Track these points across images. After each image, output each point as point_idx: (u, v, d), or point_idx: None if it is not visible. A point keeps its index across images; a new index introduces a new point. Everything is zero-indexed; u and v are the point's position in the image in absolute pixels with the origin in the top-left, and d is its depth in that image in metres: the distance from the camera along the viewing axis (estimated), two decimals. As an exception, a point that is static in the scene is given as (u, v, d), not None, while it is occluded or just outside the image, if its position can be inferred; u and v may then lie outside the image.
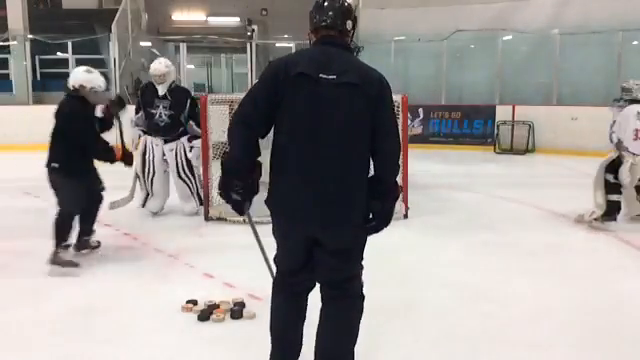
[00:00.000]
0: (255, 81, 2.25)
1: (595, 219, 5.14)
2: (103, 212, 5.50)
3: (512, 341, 2.91)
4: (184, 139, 5.40)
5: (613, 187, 5.12)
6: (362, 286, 2.35)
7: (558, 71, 11.41)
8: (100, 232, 4.96)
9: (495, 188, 7.01)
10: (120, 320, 3.13)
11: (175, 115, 5.30)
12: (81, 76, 4.05)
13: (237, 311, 3.15)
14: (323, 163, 2.09)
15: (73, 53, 11.99)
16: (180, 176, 5.42)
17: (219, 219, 5.30)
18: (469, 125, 11.84)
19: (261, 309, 3.23)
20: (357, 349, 2.56)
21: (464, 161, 10.00)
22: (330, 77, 2.07)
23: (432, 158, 9.93)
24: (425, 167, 8.36)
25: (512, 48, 12.13)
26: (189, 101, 5.38)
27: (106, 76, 12.22)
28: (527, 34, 11.84)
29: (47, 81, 12.55)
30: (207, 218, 5.31)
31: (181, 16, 18.09)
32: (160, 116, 5.29)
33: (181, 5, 18.06)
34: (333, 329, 2.27)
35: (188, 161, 5.40)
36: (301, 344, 2.35)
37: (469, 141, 11.74)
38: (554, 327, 3.08)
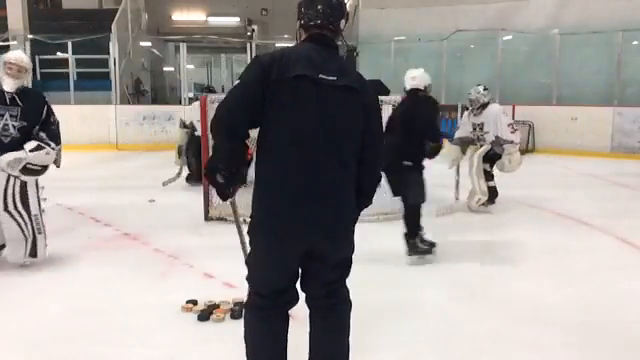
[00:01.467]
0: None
1: (482, 204, 5.79)
2: (104, 213, 5.52)
3: (512, 341, 2.90)
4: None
5: (489, 175, 5.88)
6: (348, 291, 2.24)
7: (558, 71, 11.42)
8: (100, 232, 4.99)
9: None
10: (120, 320, 3.12)
11: (28, 128, 3.80)
12: (427, 76, 4.73)
13: (237, 311, 3.15)
14: (323, 168, 1.97)
15: (73, 53, 12.00)
16: (7, 209, 3.80)
17: (219, 219, 5.30)
18: (469, 125, 11.84)
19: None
20: (357, 349, 2.56)
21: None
22: (330, 78, 1.96)
23: (432, 158, 9.91)
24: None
25: (512, 48, 12.14)
26: (46, 109, 3.92)
27: (106, 76, 12.27)
28: (527, 34, 11.85)
29: (47, 81, 12.54)
30: (207, 218, 5.31)
31: (181, 16, 18.10)
32: (5, 129, 3.73)
33: (181, 5, 18.06)
34: (331, 337, 2.22)
35: (23, 191, 3.83)
36: None
37: (469, 141, 11.74)
38: (554, 327, 3.07)
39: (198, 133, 6.20)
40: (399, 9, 12.92)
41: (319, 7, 2.03)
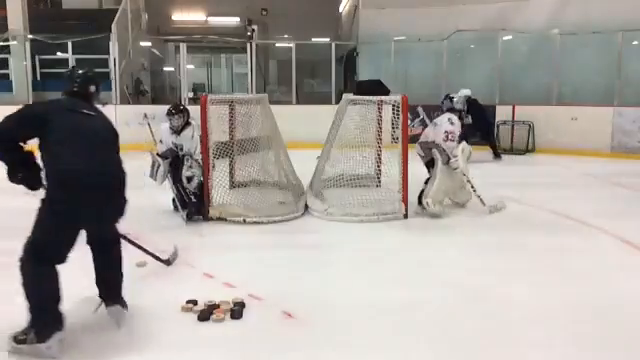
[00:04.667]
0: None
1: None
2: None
3: (512, 341, 2.91)
4: None
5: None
6: (117, 232, 3.17)
7: (558, 71, 11.41)
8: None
9: (495, 188, 7.01)
10: (120, 320, 3.13)
11: None
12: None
13: (237, 311, 3.15)
14: (95, 167, 2.83)
15: (73, 53, 11.98)
16: None
17: (219, 219, 5.30)
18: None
19: (261, 309, 3.23)
20: (358, 349, 2.56)
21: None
22: (91, 113, 3.00)
23: (432, 158, 9.90)
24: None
25: (512, 48, 12.13)
26: None
27: (106, 76, 12.25)
28: (527, 34, 11.84)
29: (47, 81, 12.53)
30: (207, 218, 5.31)
31: (181, 16, 18.09)
32: None
33: (181, 5, 18.06)
34: (109, 270, 3.12)
35: None
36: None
37: (469, 141, 11.71)
38: (554, 327, 3.08)
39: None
40: (399, 9, 12.90)
41: (75, 79, 3.10)
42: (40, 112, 2.94)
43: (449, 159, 5.57)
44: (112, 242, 3.15)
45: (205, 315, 3.11)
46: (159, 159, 5.42)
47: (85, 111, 2.98)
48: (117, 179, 2.98)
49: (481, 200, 5.71)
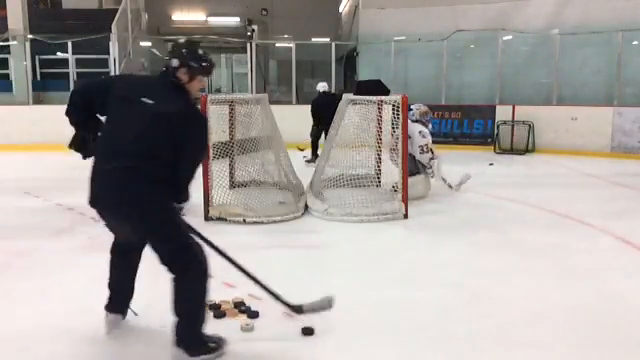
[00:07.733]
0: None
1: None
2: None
3: (512, 341, 2.91)
4: None
5: None
6: (188, 262, 2.59)
7: (558, 71, 11.42)
8: (100, 232, 4.97)
9: (495, 188, 7.01)
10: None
11: None
12: None
13: (253, 312, 3.18)
14: (114, 162, 2.51)
15: (73, 53, 11.98)
16: None
17: (219, 219, 5.30)
18: (469, 125, 11.85)
19: (261, 309, 3.23)
20: (358, 349, 2.55)
21: (464, 161, 10.00)
22: (149, 102, 2.57)
23: (432, 158, 9.91)
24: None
25: (512, 48, 12.14)
26: None
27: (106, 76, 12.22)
28: (527, 34, 11.85)
29: (47, 81, 12.55)
30: (207, 218, 5.31)
31: (181, 16, 18.13)
32: None
33: (181, 5, 18.10)
34: (174, 297, 2.60)
35: None
36: (132, 292, 3.03)
37: (469, 141, 11.75)
38: (554, 327, 3.08)
39: None
40: (399, 9, 12.92)
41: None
42: (112, 83, 2.93)
43: (425, 169, 6.29)
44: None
45: (220, 313, 3.15)
46: None
47: (144, 100, 2.69)
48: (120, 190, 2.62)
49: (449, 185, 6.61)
